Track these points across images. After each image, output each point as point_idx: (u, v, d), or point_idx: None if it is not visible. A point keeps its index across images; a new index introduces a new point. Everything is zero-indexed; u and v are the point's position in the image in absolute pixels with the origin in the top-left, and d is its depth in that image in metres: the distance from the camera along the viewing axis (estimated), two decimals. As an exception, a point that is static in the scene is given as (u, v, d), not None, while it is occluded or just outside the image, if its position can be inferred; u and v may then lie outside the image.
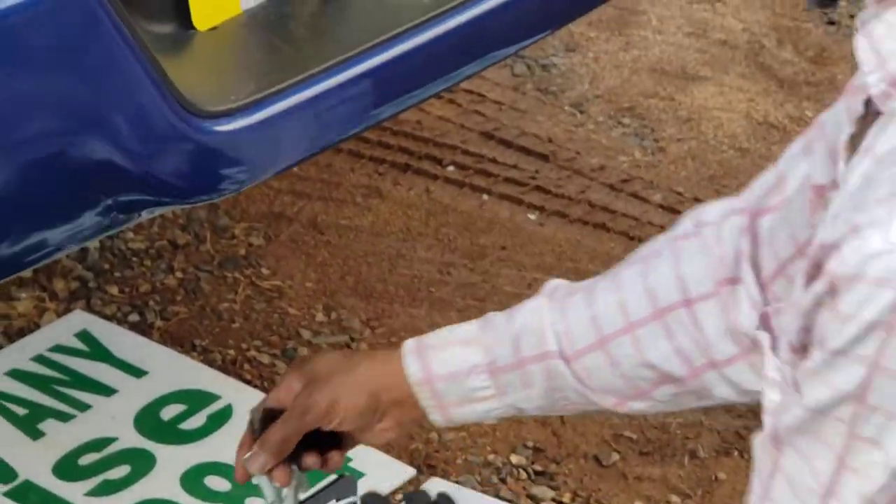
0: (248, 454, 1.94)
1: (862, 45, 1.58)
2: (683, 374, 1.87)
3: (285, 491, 2.00)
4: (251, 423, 1.99)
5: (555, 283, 1.99)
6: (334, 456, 1.99)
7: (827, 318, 1.48)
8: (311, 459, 1.98)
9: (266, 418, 1.98)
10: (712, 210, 1.92)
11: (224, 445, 2.66)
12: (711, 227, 1.88)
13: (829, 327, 1.46)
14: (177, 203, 2.05)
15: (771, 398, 1.58)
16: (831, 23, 3.71)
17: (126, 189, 1.93)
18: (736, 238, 1.84)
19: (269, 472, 1.96)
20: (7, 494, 2.61)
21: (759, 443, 1.57)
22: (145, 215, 2.18)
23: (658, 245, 1.93)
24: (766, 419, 1.57)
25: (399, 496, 2.66)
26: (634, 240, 3.17)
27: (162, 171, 1.94)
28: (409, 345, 1.97)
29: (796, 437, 1.51)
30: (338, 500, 2.42)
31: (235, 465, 1.98)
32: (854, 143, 1.64)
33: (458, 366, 1.95)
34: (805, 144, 1.86)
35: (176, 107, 1.88)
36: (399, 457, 2.72)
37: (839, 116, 1.74)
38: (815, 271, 1.51)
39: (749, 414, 2.83)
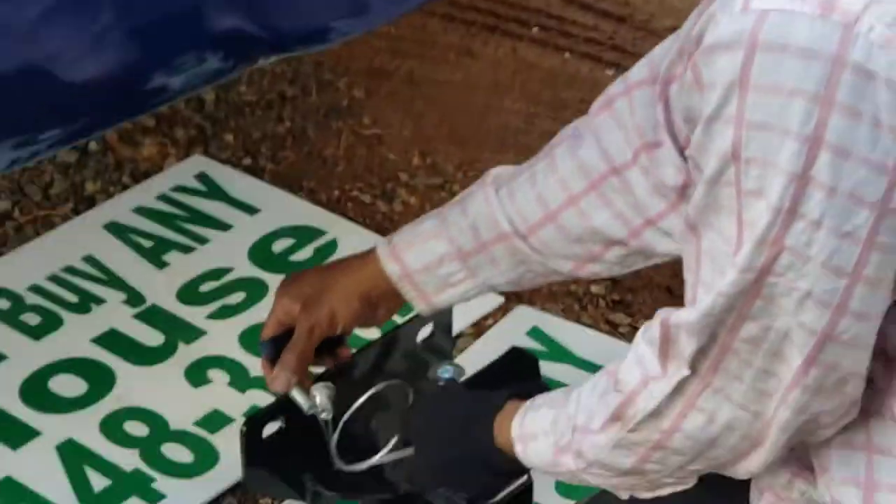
0: (272, 376, 2.07)
1: None
2: (625, 234, 1.94)
3: (318, 398, 2.09)
4: (264, 350, 2.10)
5: (496, 172, 2.04)
6: (342, 350, 2.18)
7: (697, 96, 1.53)
8: (327, 362, 2.14)
9: (276, 341, 2.09)
10: (618, 85, 1.95)
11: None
12: (621, 100, 1.92)
13: (700, 101, 1.51)
14: (287, 50, 2.05)
15: None
16: None
17: (244, 33, 1.95)
18: (647, 107, 1.87)
19: (298, 385, 2.08)
20: (136, 317, 2.67)
21: (681, 237, 1.65)
22: (261, 63, 2.18)
23: (578, 124, 1.98)
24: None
25: (489, 320, 2.68)
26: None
27: (276, 17, 1.95)
28: (383, 250, 2.05)
29: (703, 214, 1.54)
30: (434, 331, 2.46)
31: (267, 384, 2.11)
32: None
33: (429, 258, 2.04)
34: (697, 13, 1.90)
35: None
36: (487, 284, 2.74)
37: None
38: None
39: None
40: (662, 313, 1.63)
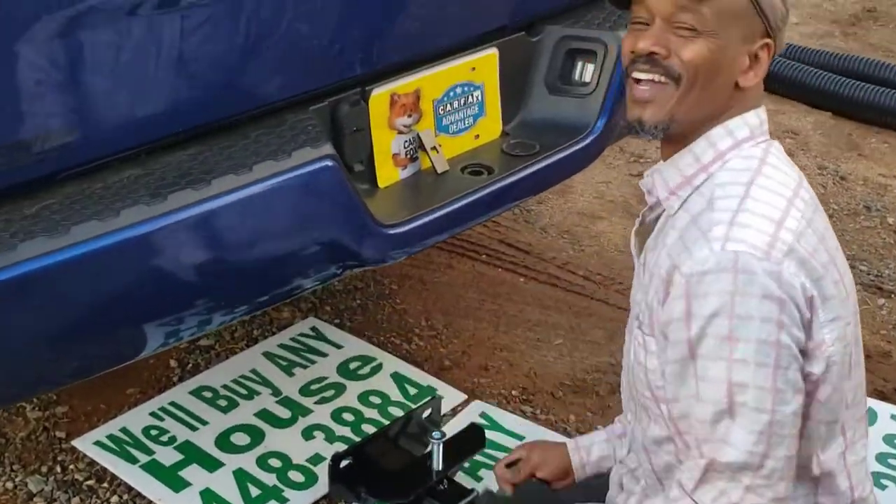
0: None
1: (652, 178, 1.50)
2: None
3: None
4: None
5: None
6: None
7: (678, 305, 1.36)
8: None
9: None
10: None
11: (378, 383, 2.65)
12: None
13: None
14: (369, 266, 1.99)
15: None
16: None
17: (349, 260, 1.89)
18: None
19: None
20: (277, 402, 2.59)
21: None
22: (354, 272, 2.12)
23: None
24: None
25: (458, 408, 2.63)
26: (570, 292, 3.14)
27: (366, 251, 1.89)
28: (570, 445, 1.88)
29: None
30: (430, 412, 2.39)
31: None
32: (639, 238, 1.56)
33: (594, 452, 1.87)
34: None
35: (371, 222, 1.86)
36: (458, 387, 2.68)
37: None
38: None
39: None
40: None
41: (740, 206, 1.37)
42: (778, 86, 4.24)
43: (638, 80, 1.42)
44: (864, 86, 4.12)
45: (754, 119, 1.44)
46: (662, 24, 1.40)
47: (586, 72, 2.37)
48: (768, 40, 1.41)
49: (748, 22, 1.39)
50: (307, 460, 2.41)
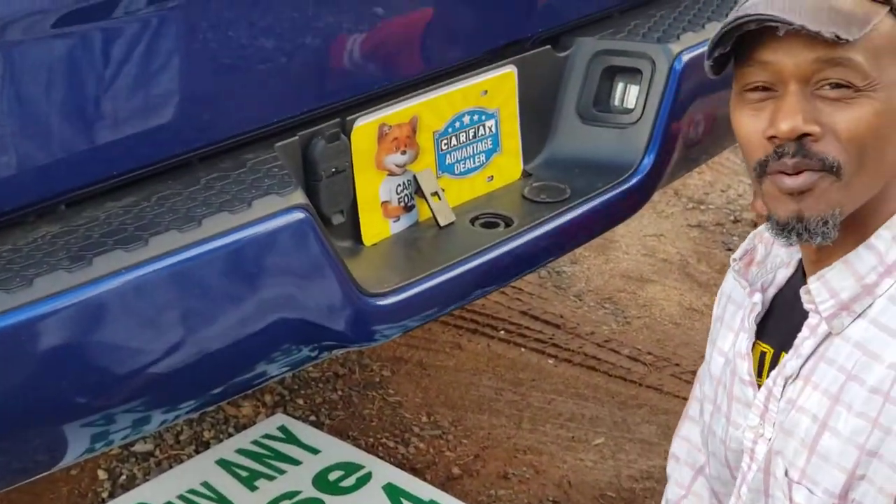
0: None
1: (815, 286, 1.34)
2: None
3: None
4: None
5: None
6: None
7: None
8: None
9: None
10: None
11: (367, 498, 2.63)
12: None
13: None
14: (351, 346, 1.98)
15: None
16: (729, 249, 3.69)
17: (326, 339, 1.87)
18: None
19: None
20: (235, 524, 2.59)
21: None
22: (334, 354, 2.13)
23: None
24: None
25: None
26: (612, 377, 3.13)
27: (346, 327, 1.87)
28: None
29: None
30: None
31: None
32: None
33: None
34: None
35: (354, 290, 1.84)
36: (469, 502, 2.64)
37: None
38: None
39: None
40: None
41: None
42: None
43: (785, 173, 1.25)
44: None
45: None
46: (800, 90, 1.22)
47: (629, 95, 2.37)
48: None
49: None
50: None
